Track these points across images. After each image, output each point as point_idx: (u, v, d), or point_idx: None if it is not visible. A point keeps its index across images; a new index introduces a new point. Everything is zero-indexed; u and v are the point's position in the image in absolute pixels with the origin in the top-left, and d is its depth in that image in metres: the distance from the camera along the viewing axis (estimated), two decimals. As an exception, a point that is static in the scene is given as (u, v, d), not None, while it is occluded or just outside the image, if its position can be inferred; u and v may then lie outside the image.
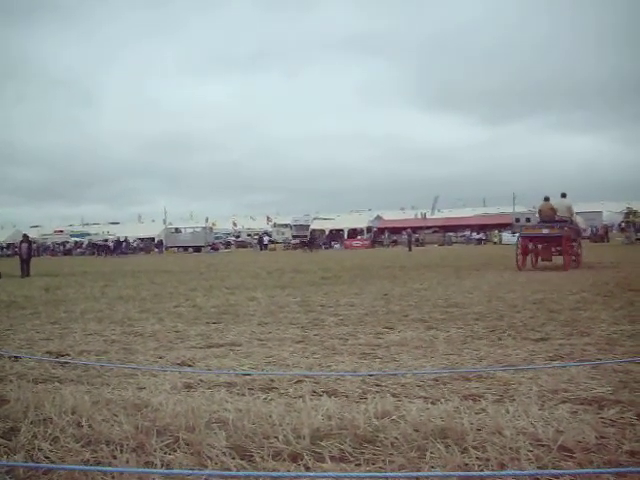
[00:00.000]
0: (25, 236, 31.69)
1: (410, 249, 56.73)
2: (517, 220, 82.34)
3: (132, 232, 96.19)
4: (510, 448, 3.70)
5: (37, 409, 4.75)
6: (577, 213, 23.90)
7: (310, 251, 64.28)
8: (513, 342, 7.36)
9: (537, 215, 23.39)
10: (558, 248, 20.96)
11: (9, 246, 79.40)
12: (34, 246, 45.53)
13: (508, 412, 4.39)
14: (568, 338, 7.48)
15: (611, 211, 79.90)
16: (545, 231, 20.97)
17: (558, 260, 21.27)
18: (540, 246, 21.73)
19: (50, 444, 4.04)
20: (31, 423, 4.44)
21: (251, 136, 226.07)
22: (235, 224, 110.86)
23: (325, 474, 3.52)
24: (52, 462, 3.76)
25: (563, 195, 22.56)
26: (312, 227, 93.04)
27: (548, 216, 21.65)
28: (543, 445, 3.75)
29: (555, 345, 7.07)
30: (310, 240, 72.85)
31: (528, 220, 79.73)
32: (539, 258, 21.93)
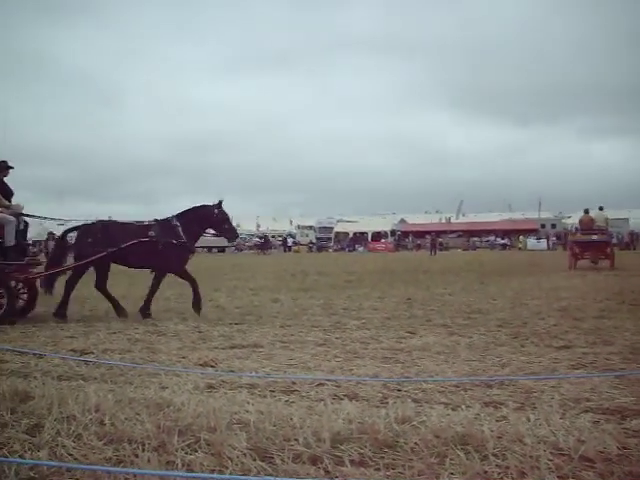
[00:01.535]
0: (51, 234, 31.50)
1: (433, 253, 56.48)
2: (543, 226, 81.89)
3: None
4: (530, 456, 3.68)
5: (61, 406, 4.80)
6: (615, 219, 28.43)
7: (263, 253, 68.75)
8: (536, 349, 7.33)
9: (578, 225, 28.02)
10: (605, 251, 24.85)
11: (35, 244, 79.52)
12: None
13: (529, 420, 4.37)
14: (591, 346, 7.43)
15: (638, 218, 78.90)
16: (595, 237, 24.82)
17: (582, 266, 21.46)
18: (578, 250, 25.24)
19: (73, 441, 4.08)
20: (55, 420, 4.49)
21: (276, 136, 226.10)
22: (259, 225, 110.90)
23: None
24: (75, 459, 3.81)
25: (600, 208, 27.39)
26: (336, 229, 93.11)
27: (588, 226, 25.64)
28: (564, 454, 3.74)
29: (578, 353, 7.02)
30: (263, 243, 76.73)
31: (554, 226, 79.34)
32: (577, 260, 25.07)
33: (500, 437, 4.04)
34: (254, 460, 3.73)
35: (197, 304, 11.20)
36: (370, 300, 13.28)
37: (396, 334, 8.60)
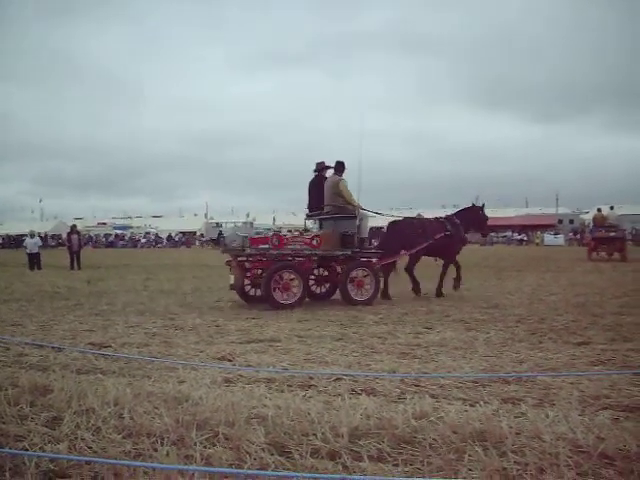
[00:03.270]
0: (74, 227, 30.87)
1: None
2: (560, 221, 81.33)
3: (174, 226, 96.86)
4: (549, 453, 3.67)
5: (80, 399, 4.83)
6: (621, 215, 32.44)
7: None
8: (554, 345, 7.30)
9: (592, 223, 31.65)
10: (618, 246, 27.81)
11: (53, 237, 79.49)
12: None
13: (548, 417, 4.36)
14: (610, 343, 7.38)
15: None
16: (612, 234, 28.00)
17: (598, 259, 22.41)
18: (594, 244, 28.56)
19: (92, 434, 4.12)
20: (74, 413, 4.53)
21: (293, 132, 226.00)
22: (275, 220, 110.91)
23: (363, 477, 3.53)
24: (94, 452, 3.83)
25: (611, 207, 31.64)
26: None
27: (601, 223, 28.90)
28: (583, 452, 3.72)
29: (597, 350, 6.98)
30: (218, 237, 79.02)
31: (571, 222, 78.92)
32: (593, 253, 28.50)
33: (519, 433, 4.03)
34: (272, 455, 3.75)
35: (457, 283, 14.11)
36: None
37: (413, 329, 8.59)
